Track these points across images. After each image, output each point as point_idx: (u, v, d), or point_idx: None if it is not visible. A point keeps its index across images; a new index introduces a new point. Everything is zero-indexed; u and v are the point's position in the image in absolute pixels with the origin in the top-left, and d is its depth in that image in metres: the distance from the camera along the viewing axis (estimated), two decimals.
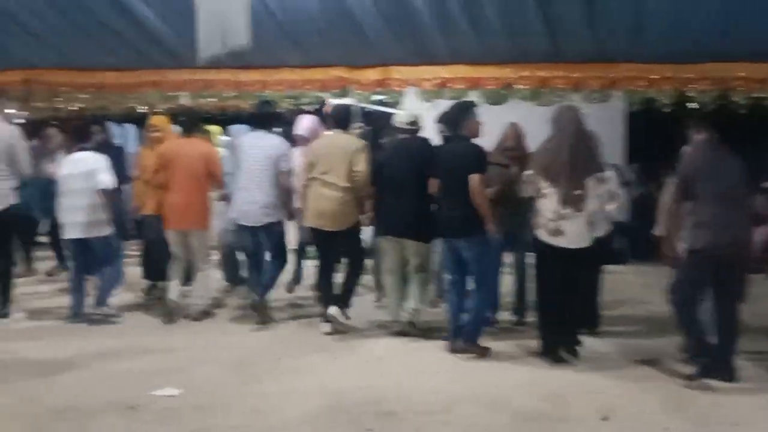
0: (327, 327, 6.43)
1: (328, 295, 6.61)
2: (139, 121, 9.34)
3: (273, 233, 6.82)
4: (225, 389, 5.12)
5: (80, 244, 6.79)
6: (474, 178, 5.71)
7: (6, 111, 7.25)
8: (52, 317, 7.08)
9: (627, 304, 7.69)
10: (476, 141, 5.99)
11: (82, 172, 6.72)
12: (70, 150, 7.13)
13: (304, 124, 7.64)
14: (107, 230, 6.83)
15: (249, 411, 4.70)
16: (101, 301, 6.88)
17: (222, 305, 7.46)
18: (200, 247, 6.98)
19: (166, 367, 5.55)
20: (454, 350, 5.90)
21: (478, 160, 5.83)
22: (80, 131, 7.13)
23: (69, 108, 9.84)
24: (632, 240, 8.61)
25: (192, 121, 7.20)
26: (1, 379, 5.26)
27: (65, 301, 7.19)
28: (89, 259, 6.85)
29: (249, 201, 6.73)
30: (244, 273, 7.56)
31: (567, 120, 5.66)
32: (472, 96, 8.59)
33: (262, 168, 6.69)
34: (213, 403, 4.83)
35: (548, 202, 5.59)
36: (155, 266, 7.42)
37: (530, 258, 6.11)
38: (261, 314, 6.76)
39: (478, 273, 5.89)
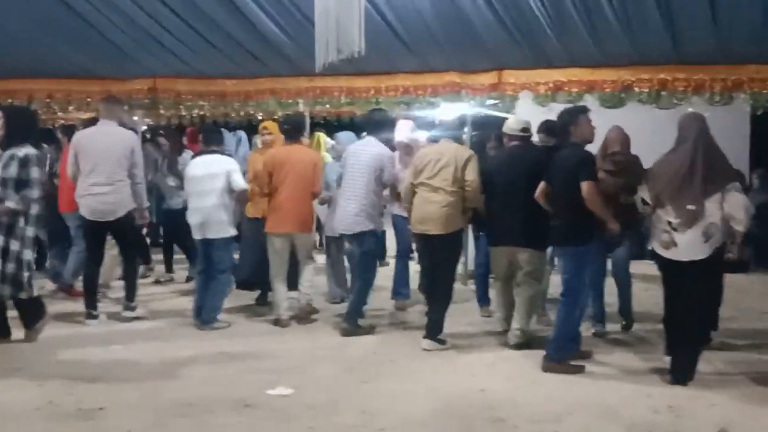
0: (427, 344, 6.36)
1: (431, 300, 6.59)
2: (253, 128, 9.58)
3: (363, 242, 6.80)
4: (337, 389, 5.22)
5: (206, 244, 7.04)
6: (585, 186, 5.59)
7: (123, 116, 7.58)
8: (171, 317, 7.36)
9: (747, 315, 7.39)
10: (588, 147, 5.88)
11: (210, 173, 6.96)
12: (198, 152, 7.39)
13: (403, 130, 7.69)
14: (231, 231, 7.06)
15: (360, 411, 4.77)
16: (214, 306, 7.06)
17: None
18: (304, 251, 7.13)
19: (279, 367, 5.70)
20: (544, 369, 5.71)
21: (586, 166, 5.70)
22: (208, 134, 7.39)
23: (192, 115, 10.21)
24: (756, 248, 8.27)
25: (297, 128, 7.34)
26: (128, 375, 5.51)
27: (182, 302, 7.48)
28: (211, 259, 7.05)
29: (344, 208, 6.83)
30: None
31: (691, 129, 5.47)
32: (588, 99, 8.43)
33: (361, 176, 6.75)
34: (325, 403, 4.92)
35: (663, 213, 5.43)
36: (257, 269, 7.58)
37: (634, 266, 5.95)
38: (346, 327, 6.78)
39: (570, 284, 5.75)
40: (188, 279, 8.99)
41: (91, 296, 7.10)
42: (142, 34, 8.43)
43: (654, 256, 5.59)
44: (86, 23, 8.19)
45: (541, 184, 6.02)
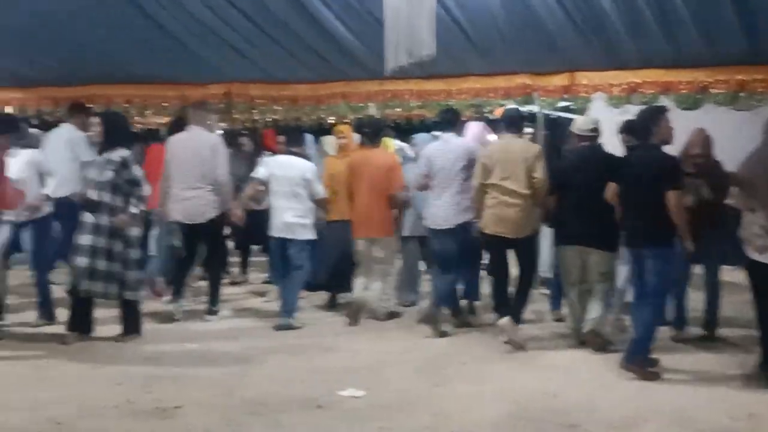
0: (504, 336, 6.38)
1: (502, 304, 6.53)
2: (320, 132, 9.66)
3: (463, 233, 6.78)
4: (408, 391, 5.23)
5: (283, 244, 7.12)
6: (672, 195, 5.47)
7: (208, 121, 7.76)
8: (246, 317, 7.47)
9: None
10: (667, 148, 5.77)
11: (289, 175, 7.07)
12: (280, 152, 7.50)
13: (472, 131, 7.66)
14: (309, 234, 7.13)
15: (433, 413, 4.77)
16: (289, 307, 7.13)
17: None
18: (386, 254, 7.16)
19: (350, 369, 5.74)
20: (623, 368, 5.63)
21: (675, 173, 5.58)
22: (291, 135, 7.52)
23: (264, 119, 10.35)
24: None
25: (375, 132, 7.39)
26: (204, 374, 5.63)
27: (256, 303, 7.59)
28: (287, 261, 7.16)
29: (438, 204, 6.86)
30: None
31: None
32: (664, 101, 8.26)
33: (453, 171, 6.78)
34: (397, 405, 4.93)
35: (755, 217, 5.28)
36: (332, 271, 7.64)
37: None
38: (433, 325, 6.78)
39: (654, 287, 5.63)
40: (266, 281, 9.14)
41: (178, 290, 7.33)
42: (217, 40, 8.58)
43: (745, 260, 5.45)
44: (163, 30, 8.37)
45: (612, 185, 5.93)
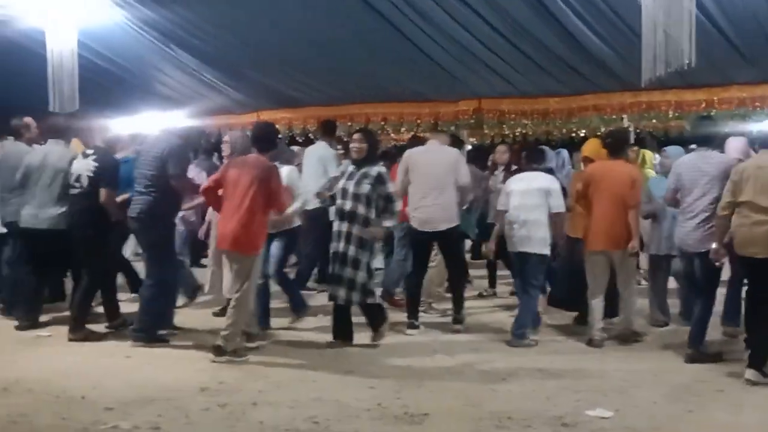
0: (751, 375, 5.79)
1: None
2: (574, 145, 9.51)
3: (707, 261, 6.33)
4: (659, 416, 5.01)
5: (521, 258, 7.11)
6: None
7: (444, 136, 7.97)
8: (491, 331, 7.51)
9: None
10: None
11: (530, 189, 7.07)
12: (522, 169, 7.53)
13: (735, 145, 7.10)
14: (546, 249, 7.08)
15: None
16: (524, 322, 7.07)
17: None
18: (624, 271, 6.89)
19: (598, 388, 5.59)
20: None
21: None
22: (532, 152, 7.52)
23: (514, 133, 10.40)
24: None
25: (618, 143, 7.15)
26: (450, 383, 5.74)
27: (502, 317, 7.61)
28: (525, 275, 7.14)
29: (685, 225, 6.47)
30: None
31: None
32: None
33: (706, 190, 6.37)
34: (646, 429, 4.77)
35: None
36: (573, 287, 7.42)
37: None
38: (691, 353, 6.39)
39: None
40: (512, 293, 9.14)
41: (413, 306, 7.49)
42: (469, 57, 8.77)
43: None
44: (418, 49, 8.70)
45: None
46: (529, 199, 7.00)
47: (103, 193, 6.94)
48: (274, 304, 7.61)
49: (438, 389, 5.58)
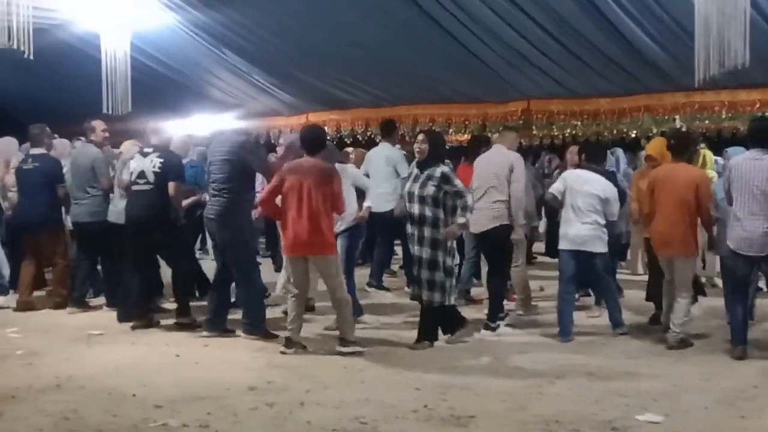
0: None
1: None
2: (628, 145, 9.40)
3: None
4: (710, 422, 4.92)
5: (576, 257, 7.07)
6: None
7: (513, 141, 7.93)
8: (540, 332, 7.45)
9: None
10: None
11: (586, 190, 7.02)
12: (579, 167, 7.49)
13: None
14: (603, 248, 7.04)
15: None
16: (616, 321, 7.14)
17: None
18: (681, 276, 6.78)
19: (648, 392, 5.49)
20: None
21: None
22: (592, 151, 7.47)
23: (563, 134, 10.30)
24: None
25: (682, 145, 7.04)
26: (497, 385, 5.70)
27: (551, 318, 7.55)
28: (582, 275, 7.14)
29: (750, 229, 6.30)
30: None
31: None
32: None
33: (755, 192, 6.24)
34: None
35: None
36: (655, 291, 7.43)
37: None
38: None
39: None
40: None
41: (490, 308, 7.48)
42: (518, 58, 8.73)
43: None
44: (466, 50, 8.68)
45: None
46: (582, 202, 6.95)
47: (172, 186, 7.24)
48: (320, 303, 7.67)
49: (484, 391, 5.55)
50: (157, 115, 8.00)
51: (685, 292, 6.80)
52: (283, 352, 6.49)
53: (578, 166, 7.54)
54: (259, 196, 7.06)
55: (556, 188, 7.24)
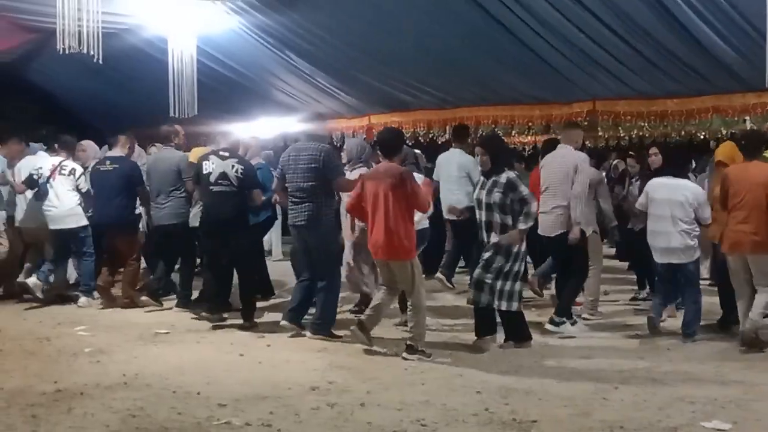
0: None
1: None
2: (697, 147, 9.21)
3: None
4: None
5: (668, 268, 7.09)
6: None
7: (576, 139, 7.86)
8: (607, 336, 7.35)
9: None
10: None
11: (672, 198, 6.94)
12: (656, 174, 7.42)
13: None
14: (695, 256, 7.04)
15: None
16: (689, 329, 7.07)
17: None
18: (759, 276, 6.64)
19: (718, 399, 5.37)
20: None
21: None
22: (676, 156, 7.39)
23: (630, 135, 10.13)
24: None
25: (754, 144, 6.92)
26: (559, 390, 5.64)
27: (618, 322, 7.45)
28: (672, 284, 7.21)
29: None
30: None
31: None
32: None
33: None
34: None
35: None
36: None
37: None
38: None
39: None
40: (633, 299, 9.02)
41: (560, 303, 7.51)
42: (583, 58, 8.60)
43: None
44: (529, 50, 8.59)
45: None
46: (667, 210, 6.91)
47: (257, 193, 7.61)
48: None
49: (546, 396, 5.49)
50: (223, 118, 8.14)
51: (766, 285, 6.67)
52: (351, 331, 6.63)
53: (659, 171, 7.45)
54: (346, 204, 7.14)
55: (640, 203, 7.26)
